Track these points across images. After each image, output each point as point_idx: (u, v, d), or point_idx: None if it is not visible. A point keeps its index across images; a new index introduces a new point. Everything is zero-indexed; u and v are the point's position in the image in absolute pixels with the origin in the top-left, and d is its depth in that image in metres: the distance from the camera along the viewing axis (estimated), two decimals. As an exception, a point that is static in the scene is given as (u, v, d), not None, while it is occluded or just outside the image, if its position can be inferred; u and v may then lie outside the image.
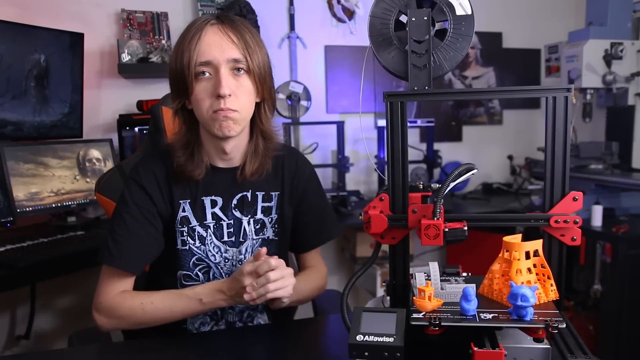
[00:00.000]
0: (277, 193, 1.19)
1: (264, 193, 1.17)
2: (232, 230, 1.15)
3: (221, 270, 1.15)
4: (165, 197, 1.12)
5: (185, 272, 1.14)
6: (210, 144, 1.12)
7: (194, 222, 1.12)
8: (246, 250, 1.16)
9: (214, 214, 1.13)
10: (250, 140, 1.14)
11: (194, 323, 1.16)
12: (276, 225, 1.19)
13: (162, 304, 1.06)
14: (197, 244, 1.13)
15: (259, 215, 1.16)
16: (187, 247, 1.12)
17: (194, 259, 1.13)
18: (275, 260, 0.99)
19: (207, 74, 1.03)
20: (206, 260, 1.14)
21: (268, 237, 1.18)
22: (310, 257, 1.28)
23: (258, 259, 1.00)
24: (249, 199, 1.15)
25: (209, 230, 1.13)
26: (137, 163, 1.15)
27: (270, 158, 1.15)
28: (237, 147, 1.12)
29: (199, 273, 1.14)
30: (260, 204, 1.16)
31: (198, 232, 1.13)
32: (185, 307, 1.05)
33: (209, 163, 1.12)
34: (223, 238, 1.14)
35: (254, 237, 1.16)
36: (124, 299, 1.06)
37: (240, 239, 1.15)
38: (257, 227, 1.16)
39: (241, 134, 1.10)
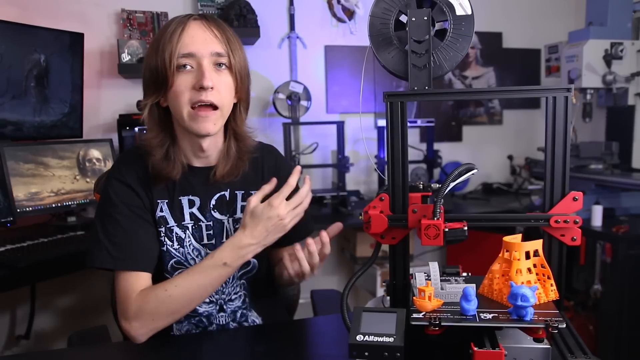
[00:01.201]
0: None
1: (243, 192, 1.15)
2: (211, 232, 1.11)
3: None
4: (147, 194, 1.09)
5: (164, 275, 1.09)
6: (187, 141, 1.09)
7: (171, 223, 1.09)
8: None
9: (192, 214, 1.11)
10: (224, 141, 1.12)
11: (180, 330, 1.12)
12: None
13: (187, 283, 1.02)
14: (176, 245, 1.09)
15: (239, 215, 1.13)
16: (165, 249, 1.09)
17: (172, 261, 1.09)
18: (293, 180, 1.05)
19: (189, 67, 1.01)
20: (185, 263, 1.09)
21: None
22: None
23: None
24: (227, 199, 1.13)
25: (187, 231, 1.10)
26: (118, 162, 1.13)
27: (245, 160, 1.13)
28: (214, 144, 1.10)
29: None
30: (239, 204, 1.14)
31: (176, 233, 1.09)
32: (213, 277, 1.02)
33: (185, 162, 1.10)
34: (203, 240, 1.11)
35: None
36: (147, 294, 1.01)
37: (223, 240, 1.11)
38: (238, 226, 1.10)
39: (218, 131, 1.08)
